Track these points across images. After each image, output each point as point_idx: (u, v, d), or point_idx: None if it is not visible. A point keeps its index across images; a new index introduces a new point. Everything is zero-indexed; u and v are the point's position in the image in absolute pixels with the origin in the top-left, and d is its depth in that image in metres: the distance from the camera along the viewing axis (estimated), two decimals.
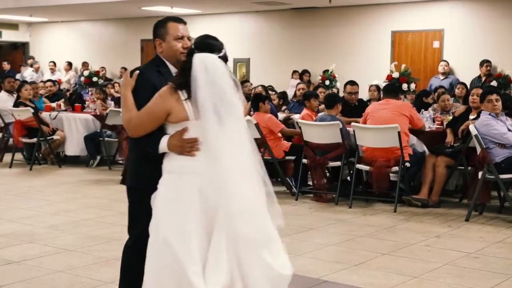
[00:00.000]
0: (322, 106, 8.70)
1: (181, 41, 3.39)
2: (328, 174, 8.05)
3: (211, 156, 3.10)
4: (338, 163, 7.55)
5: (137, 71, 3.35)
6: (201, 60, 3.10)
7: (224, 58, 3.18)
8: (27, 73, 17.26)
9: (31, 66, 17.95)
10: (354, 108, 8.64)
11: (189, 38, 3.40)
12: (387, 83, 8.90)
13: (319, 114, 8.07)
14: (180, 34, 3.40)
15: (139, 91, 3.28)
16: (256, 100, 8.25)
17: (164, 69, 3.40)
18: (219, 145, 3.09)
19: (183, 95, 3.11)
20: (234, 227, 3.08)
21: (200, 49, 3.14)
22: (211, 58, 3.11)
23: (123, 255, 3.50)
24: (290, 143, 8.21)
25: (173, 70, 3.38)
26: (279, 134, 8.07)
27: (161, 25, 3.45)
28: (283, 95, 10.57)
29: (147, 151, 3.25)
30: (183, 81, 3.11)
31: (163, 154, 3.22)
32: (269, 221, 3.27)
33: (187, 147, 3.12)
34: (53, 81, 12.97)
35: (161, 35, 3.43)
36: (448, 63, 12.92)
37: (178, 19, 3.49)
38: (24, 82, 11.40)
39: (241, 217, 3.10)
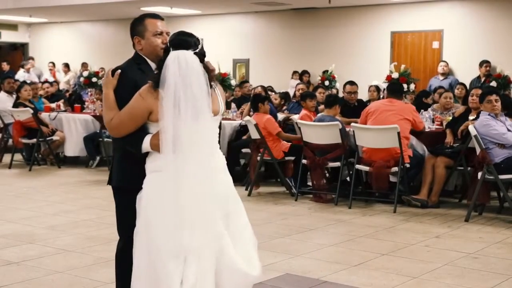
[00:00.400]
0: (322, 106, 8.71)
1: (160, 36, 3.38)
2: (327, 175, 8.05)
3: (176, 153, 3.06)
4: (337, 164, 7.55)
5: (119, 70, 3.34)
6: (175, 57, 3.07)
7: (201, 54, 3.14)
8: (19, 75, 17.00)
9: (22, 67, 17.82)
10: (353, 109, 8.65)
11: (168, 34, 3.37)
12: (388, 83, 8.88)
13: (318, 115, 8.07)
14: (159, 30, 3.39)
15: (121, 90, 3.27)
16: (256, 100, 8.24)
17: (145, 67, 3.38)
18: (177, 142, 3.04)
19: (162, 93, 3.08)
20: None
21: (175, 46, 3.11)
22: (185, 55, 3.07)
23: (116, 260, 3.50)
24: (290, 143, 8.21)
25: (154, 66, 3.35)
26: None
27: (139, 22, 3.46)
28: (285, 95, 10.57)
29: (130, 150, 3.23)
30: (160, 79, 3.09)
31: (147, 153, 3.19)
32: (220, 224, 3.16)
33: None
34: (51, 82, 12.96)
35: (139, 33, 3.43)
36: (447, 64, 12.93)
37: (155, 15, 3.49)
38: (23, 82, 11.39)
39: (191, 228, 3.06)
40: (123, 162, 3.38)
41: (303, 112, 8.20)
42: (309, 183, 8.06)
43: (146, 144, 3.15)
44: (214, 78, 3.24)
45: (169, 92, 3.01)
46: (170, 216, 3.04)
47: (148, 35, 3.39)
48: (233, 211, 3.24)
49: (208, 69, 3.14)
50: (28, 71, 17.55)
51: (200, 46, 3.15)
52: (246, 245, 3.23)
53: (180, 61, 3.05)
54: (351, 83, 8.94)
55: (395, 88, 7.89)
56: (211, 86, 3.13)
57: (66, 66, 17.71)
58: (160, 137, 3.05)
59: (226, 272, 3.13)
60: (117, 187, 3.43)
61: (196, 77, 3.05)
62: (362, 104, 8.79)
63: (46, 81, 13.35)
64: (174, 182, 3.03)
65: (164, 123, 3.02)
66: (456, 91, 10.36)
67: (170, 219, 3.04)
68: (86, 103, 11.04)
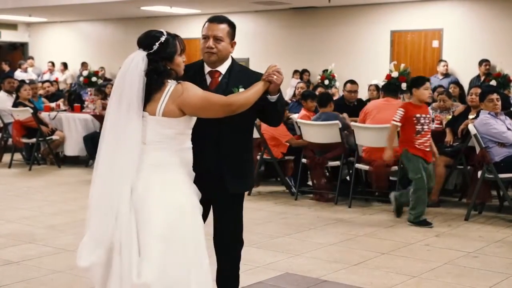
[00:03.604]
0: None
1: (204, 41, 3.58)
2: (327, 174, 8.05)
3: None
4: (337, 163, 7.55)
5: None
6: (128, 57, 3.24)
7: (155, 54, 3.20)
8: (17, 74, 16.86)
9: (19, 67, 17.76)
10: (353, 108, 8.64)
11: (214, 37, 3.52)
12: (386, 82, 8.89)
13: (316, 114, 8.05)
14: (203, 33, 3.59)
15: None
16: None
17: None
18: (104, 133, 3.26)
19: None
20: None
21: (138, 45, 3.27)
22: (134, 55, 3.22)
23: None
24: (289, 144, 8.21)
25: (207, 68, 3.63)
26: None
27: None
28: None
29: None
30: None
31: None
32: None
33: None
34: (51, 81, 12.95)
35: None
36: (447, 63, 12.92)
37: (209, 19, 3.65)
38: (22, 81, 11.38)
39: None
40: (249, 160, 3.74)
41: (303, 112, 8.19)
42: (309, 183, 8.06)
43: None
44: (173, 78, 3.25)
45: (113, 88, 3.28)
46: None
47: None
48: (140, 216, 3.17)
49: (161, 70, 3.19)
50: (25, 70, 17.50)
51: (155, 47, 3.20)
52: (133, 251, 3.11)
53: (126, 61, 3.23)
54: (352, 82, 8.94)
55: (390, 88, 7.90)
56: (158, 87, 3.19)
57: (64, 65, 17.70)
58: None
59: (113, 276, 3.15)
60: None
61: (130, 78, 3.17)
62: (362, 103, 8.78)
63: (47, 81, 13.33)
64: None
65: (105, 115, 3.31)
66: (449, 90, 10.36)
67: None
68: (86, 103, 11.03)
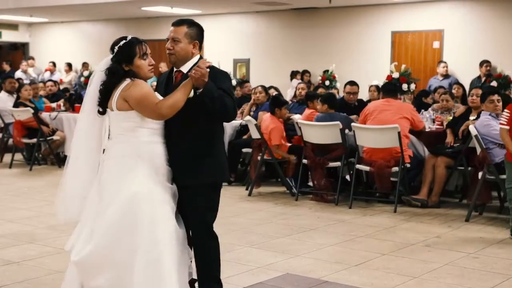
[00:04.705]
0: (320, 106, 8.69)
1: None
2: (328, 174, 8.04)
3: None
4: (338, 164, 7.55)
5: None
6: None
7: (114, 56, 3.65)
8: (17, 75, 16.79)
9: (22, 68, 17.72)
10: (353, 109, 8.64)
11: (172, 39, 3.77)
12: (385, 82, 8.89)
13: (317, 114, 8.05)
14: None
15: None
16: (273, 103, 8.17)
17: None
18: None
19: None
20: None
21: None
22: (103, 59, 3.70)
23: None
24: (289, 144, 8.21)
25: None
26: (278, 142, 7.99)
27: None
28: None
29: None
30: None
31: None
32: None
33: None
34: (54, 81, 12.95)
35: None
36: (446, 64, 12.92)
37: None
38: (18, 79, 11.37)
39: None
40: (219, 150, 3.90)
41: (309, 111, 8.19)
42: (310, 183, 8.06)
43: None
44: (132, 77, 3.61)
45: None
46: None
47: None
48: (104, 201, 3.58)
49: (115, 70, 3.59)
50: (25, 71, 17.46)
51: (115, 50, 3.64)
52: (85, 228, 3.65)
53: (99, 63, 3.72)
54: (352, 83, 8.94)
55: (390, 88, 7.89)
56: (113, 85, 3.58)
57: (69, 65, 17.68)
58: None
59: None
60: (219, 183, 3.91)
61: (95, 78, 3.68)
62: (363, 104, 8.78)
63: (50, 80, 13.32)
64: None
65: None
66: (453, 90, 10.37)
67: None
68: None
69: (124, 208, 3.49)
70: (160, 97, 3.63)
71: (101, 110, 3.63)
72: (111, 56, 3.66)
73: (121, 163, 3.56)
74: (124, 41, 3.66)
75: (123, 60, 3.62)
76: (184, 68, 3.77)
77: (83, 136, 3.73)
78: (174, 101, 3.53)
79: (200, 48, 3.83)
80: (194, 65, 3.69)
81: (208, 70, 3.55)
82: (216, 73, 3.69)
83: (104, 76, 3.62)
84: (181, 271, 3.57)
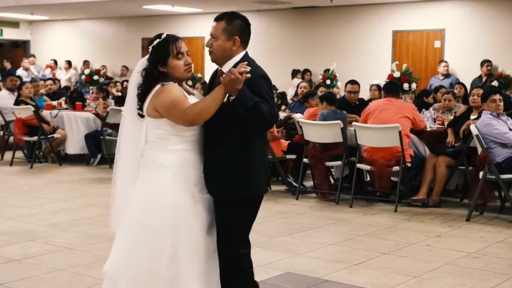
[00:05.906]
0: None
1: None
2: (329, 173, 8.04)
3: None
4: (338, 163, 7.55)
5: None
6: None
7: (150, 57, 3.38)
8: (18, 73, 16.76)
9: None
10: (354, 108, 8.64)
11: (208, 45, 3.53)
12: (386, 82, 8.88)
13: (319, 113, 8.06)
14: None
15: None
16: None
17: None
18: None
19: None
20: None
21: None
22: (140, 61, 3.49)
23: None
24: (288, 141, 8.21)
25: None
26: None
27: None
28: (282, 95, 10.58)
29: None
30: None
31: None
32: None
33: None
34: (54, 80, 12.95)
35: None
36: (447, 64, 12.91)
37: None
38: (19, 76, 11.37)
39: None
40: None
41: (312, 109, 8.21)
42: (311, 183, 8.05)
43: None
44: (162, 81, 3.34)
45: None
46: None
47: None
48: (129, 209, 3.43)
49: (149, 73, 3.33)
50: (26, 69, 17.43)
51: (150, 51, 3.37)
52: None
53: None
54: (353, 82, 8.93)
55: (391, 87, 7.89)
56: (147, 88, 3.34)
57: (68, 63, 17.70)
58: None
59: None
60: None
61: (133, 80, 3.43)
62: (364, 103, 8.78)
63: (50, 78, 13.33)
64: None
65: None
66: (455, 90, 10.37)
67: None
68: (88, 101, 11.04)
69: (143, 215, 3.31)
70: (193, 101, 3.33)
71: (141, 113, 3.39)
72: (146, 56, 3.42)
73: (150, 170, 3.36)
74: (157, 40, 3.36)
75: (157, 61, 3.34)
76: (225, 68, 3.40)
77: (128, 141, 3.50)
78: (202, 108, 3.23)
79: (245, 44, 3.46)
80: (237, 64, 3.30)
81: (243, 76, 3.14)
82: (252, 76, 3.22)
83: (140, 79, 3.37)
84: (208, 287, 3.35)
